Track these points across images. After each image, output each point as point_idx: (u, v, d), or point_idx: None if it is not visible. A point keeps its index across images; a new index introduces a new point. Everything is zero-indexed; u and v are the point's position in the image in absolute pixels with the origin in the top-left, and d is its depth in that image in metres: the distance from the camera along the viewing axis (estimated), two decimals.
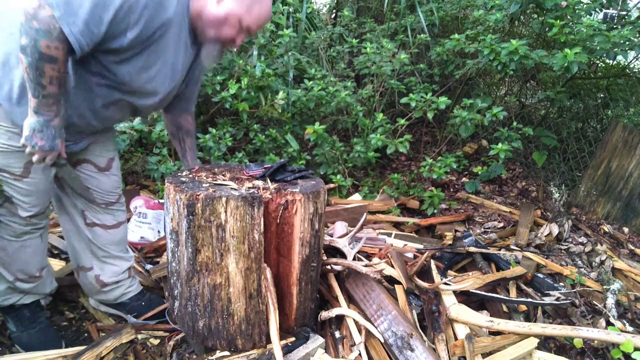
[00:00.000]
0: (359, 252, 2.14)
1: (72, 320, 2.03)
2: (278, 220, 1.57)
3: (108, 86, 1.51)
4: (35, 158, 1.44)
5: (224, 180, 1.64)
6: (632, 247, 3.06)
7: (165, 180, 1.60)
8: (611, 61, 4.34)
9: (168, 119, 1.95)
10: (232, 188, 1.55)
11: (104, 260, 1.92)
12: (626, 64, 4.43)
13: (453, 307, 1.86)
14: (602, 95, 4.38)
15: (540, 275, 2.41)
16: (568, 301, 2.14)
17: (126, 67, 1.45)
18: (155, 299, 2.07)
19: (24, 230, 1.65)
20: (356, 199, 3.30)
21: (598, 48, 3.07)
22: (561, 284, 2.40)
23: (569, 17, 3.22)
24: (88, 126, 1.63)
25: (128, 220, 2.45)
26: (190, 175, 1.66)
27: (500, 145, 3.20)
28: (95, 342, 1.80)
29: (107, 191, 1.85)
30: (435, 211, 3.26)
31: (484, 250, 2.55)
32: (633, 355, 1.61)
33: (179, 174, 1.69)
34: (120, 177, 1.93)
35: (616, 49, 3.08)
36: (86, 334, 1.96)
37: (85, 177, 1.79)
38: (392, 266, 2.11)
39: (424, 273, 2.14)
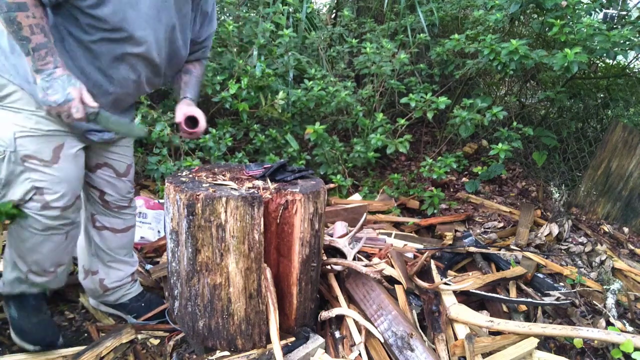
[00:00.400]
0: (359, 252, 2.14)
1: (72, 320, 2.03)
2: (278, 220, 1.57)
3: (104, 40, 1.45)
4: (63, 117, 1.41)
5: (224, 180, 1.65)
6: (632, 247, 3.06)
7: (165, 180, 1.60)
8: (611, 61, 4.34)
9: None
10: (232, 188, 1.55)
11: (109, 264, 1.93)
12: (626, 64, 4.43)
13: (453, 307, 1.86)
14: (602, 95, 4.37)
15: (540, 275, 2.41)
16: (568, 301, 2.14)
17: (108, 6, 1.39)
18: (155, 299, 2.06)
19: (52, 225, 1.60)
20: (356, 199, 3.30)
21: (598, 48, 3.07)
22: (561, 284, 2.40)
23: (569, 17, 3.22)
24: (107, 95, 1.58)
25: None
26: (190, 175, 1.66)
27: (500, 145, 3.20)
28: (95, 342, 1.80)
29: (121, 195, 1.86)
30: (435, 211, 3.26)
31: (484, 250, 2.55)
32: (633, 355, 1.61)
33: (179, 174, 1.69)
34: (134, 182, 1.94)
35: (616, 49, 3.08)
36: (86, 334, 1.96)
37: (102, 182, 1.80)
38: (392, 266, 2.11)
39: (424, 273, 2.14)
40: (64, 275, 1.83)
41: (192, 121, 1.75)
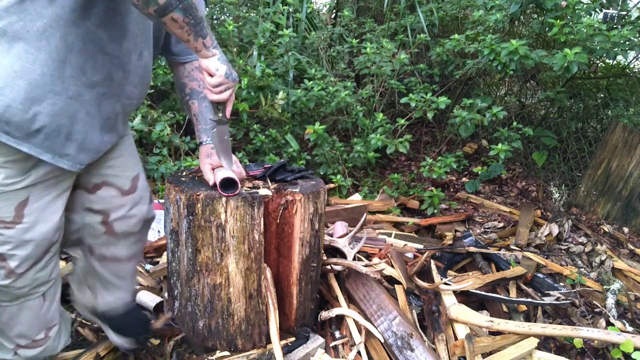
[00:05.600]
0: (359, 252, 2.14)
1: (72, 321, 2.02)
2: (278, 220, 1.57)
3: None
4: (228, 94, 1.31)
5: None
6: (632, 247, 3.06)
7: (165, 180, 1.60)
8: (611, 61, 4.34)
9: (175, 79, 1.59)
10: None
11: (107, 288, 1.62)
12: (626, 64, 4.43)
13: (453, 307, 1.86)
14: (602, 95, 4.37)
15: (540, 275, 2.41)
16: (568, 301, 2.14)
17: None
18: (138, 315, 1.74)
19: (21, 293, 1.32)
20: (356, 199, 3.30)
21: (598, 48, 3.07)
22: (561, 284, 2.40)
23: (569, 17, 3.22)
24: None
25: None
26: (190, 175, 1.66)
27: (500, 145, 3.20)
28: (94, 343, 1.80)
29: (128, 216, 1.51)
30: (435, 211, 3.25)
31: (484, 250, 2.55)
32: (633, 355, 1.61)
33: (179, 174, 1.69)
34: (150, 201, 1.58)
35: (616, 49, 3.08)
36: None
37: (104, 204, 1.47)
38: (392, 266, 2.12)
39: (424, 273, 2.14)
40: (64, 332, 1.55)
41: (228, 182, 1.44)
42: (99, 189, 1.45)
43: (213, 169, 1.51)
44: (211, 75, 1.27)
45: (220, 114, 1.38)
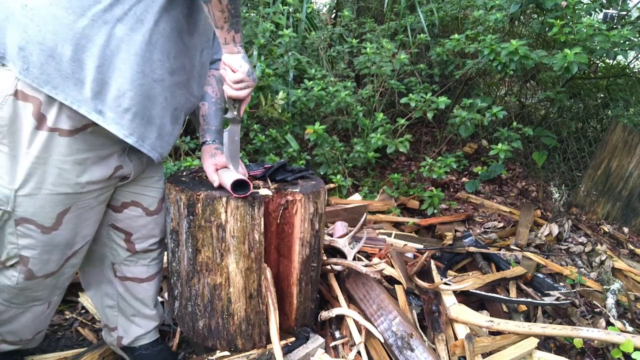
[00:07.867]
0: (359, 252, 2.14)
1: (74, 321, 2.02)
2: (278, 220, 1.57)
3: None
4: (246, 92, 1.32)
5: None
6: (632, 247, 3.06)
7: (166, 180, 1.60)
8: (611, 61, 4.35)
9: None
10: None
11: (131, 319, 1.67)
12: (626, 64, 4.43)
13: (453, 307, 1.86)
14: (602, 95, 4.38)
15: (540, 275, 2.41)
16: (568, 301, 2.14)
17: None
18: (165, 354, 1.76)
19: (35, 297, 1.35)
20: (356, 199, 3.30)
21: (598, 48, 3.07)
22: (561, 284, 2.40)
23: (569, 17, 3.22)
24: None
25: None
26: (191, 175, 1.66)
27: (500, 145, 3.20)
28: (96, 344, 1.80)
29: (149, 235, 1.59)
30: (435, 211, 3.26)
31: (484, 250, 2.55)
32: (633, 355, 1.61)
33: (179, 174, 1.69)
34: (164, 221, 1.63)
35: (616, 49, 3.08)
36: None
37: (129, 223, 1.53)
38: (392, 266, 2.12)
39: (424, 273, 2.14)
40: (41, 339, 1.59)
41: (238, 183, 1.42)
42: (127, 207, 1.50)
43: (217, 170, 1.52)
44: (234, 71, 1.29)
45: (235, 112, 1.40)
